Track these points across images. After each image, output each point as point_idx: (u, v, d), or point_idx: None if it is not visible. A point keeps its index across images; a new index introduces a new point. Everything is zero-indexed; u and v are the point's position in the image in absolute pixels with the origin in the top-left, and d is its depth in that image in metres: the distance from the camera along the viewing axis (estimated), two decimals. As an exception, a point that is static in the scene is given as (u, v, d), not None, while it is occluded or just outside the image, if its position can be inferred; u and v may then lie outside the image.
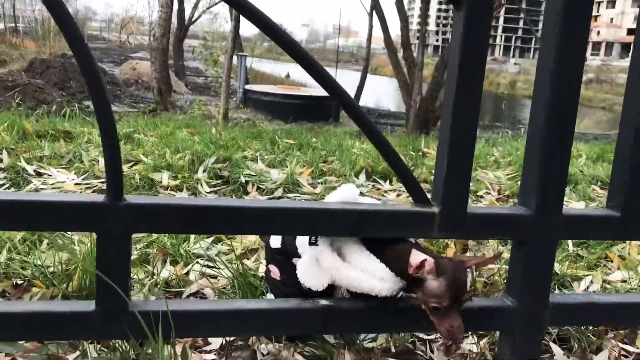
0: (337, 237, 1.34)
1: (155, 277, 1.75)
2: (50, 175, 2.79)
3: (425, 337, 1.55)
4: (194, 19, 19.78)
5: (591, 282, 2.06)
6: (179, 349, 1.28)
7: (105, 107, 1.12)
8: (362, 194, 1.46)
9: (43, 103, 8.84)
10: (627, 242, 2.48)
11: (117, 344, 1.32)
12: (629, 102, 1.38)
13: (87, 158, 3.04)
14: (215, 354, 1.38)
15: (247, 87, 14.76)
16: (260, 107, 13.74)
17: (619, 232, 1.42)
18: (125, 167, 3.03)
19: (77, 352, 1.29)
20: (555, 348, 1.53)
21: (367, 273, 1.29)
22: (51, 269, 1.64)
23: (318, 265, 1.33)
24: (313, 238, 1.33)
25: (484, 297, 1.45)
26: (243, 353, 1.36)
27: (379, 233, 1.31)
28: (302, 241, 1.36)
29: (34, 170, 2.82)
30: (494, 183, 3.31)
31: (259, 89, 14.79)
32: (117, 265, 1.19)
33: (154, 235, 2.11)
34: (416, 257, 1.21)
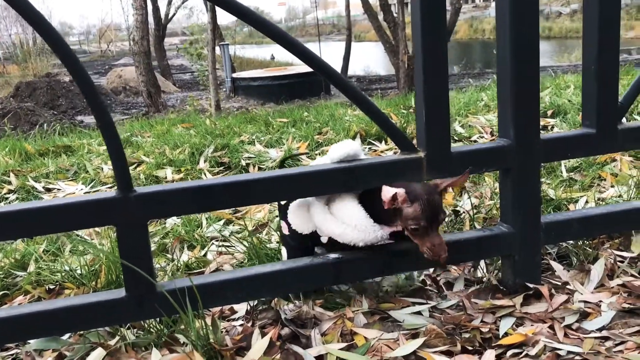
0: None
1: (175, 262, 1.86)
2: (60, 189, 2.89)
3: (433, 275, 1.65)
4: (170, 16, 19.69)
5: (586, 202, 2.16)
6: (208, 320, 1.39)
7: (102, 109, 1.22)
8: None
9: (36, 124, 8.91)
10: (619, 159, 2.57)
11: (151, 325, 1.43)
12: (587, 21, 1.46)
13: (91, 167, 3.14)
14: (242, 320, 1.49)
15: (235, 75, 14.75)
16: (251, 93, 13.76)
17: (594, 148, 1.51)
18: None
19: (117, 338, 1.41)
20: (555, 265, 1.63)
21: (346, 224, 1.38)
22: (78, 271, 1.76)
23: (307, 211, 1.45)
24: None
25: (481, 228, 1.55)
26: (268, 314, 1.47)
27: (372, 184, 1.40)
28: None
29: (43, 187, 2.92)
30: (486, 126, 3.40)
31: (246, 75, 14.77)
32: (139, 251, 1.29)
33: (168, 227, 2.22)
34: (387, 191, 1.30)
